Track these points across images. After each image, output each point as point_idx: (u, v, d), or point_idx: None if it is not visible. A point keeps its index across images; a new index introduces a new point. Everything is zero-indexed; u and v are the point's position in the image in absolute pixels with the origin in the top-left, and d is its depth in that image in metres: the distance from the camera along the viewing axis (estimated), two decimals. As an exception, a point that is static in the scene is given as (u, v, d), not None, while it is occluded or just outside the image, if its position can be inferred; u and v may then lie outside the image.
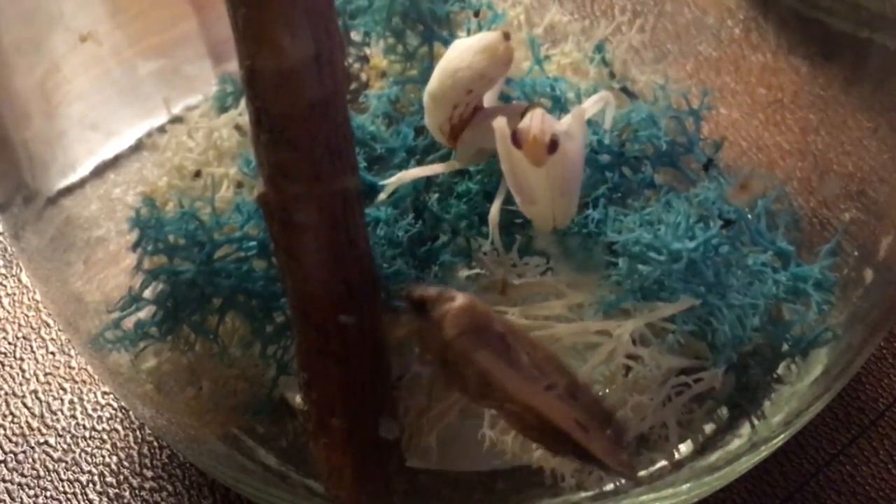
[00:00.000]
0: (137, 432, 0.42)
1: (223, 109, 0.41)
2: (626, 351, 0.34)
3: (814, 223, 0.40)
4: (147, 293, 0.35)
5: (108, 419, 0.43)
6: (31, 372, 0.44)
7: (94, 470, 0.41)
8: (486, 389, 0.30)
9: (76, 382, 0.44)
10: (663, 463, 0.36)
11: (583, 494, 0.35)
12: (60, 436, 0.42)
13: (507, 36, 0.33)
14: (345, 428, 0.32)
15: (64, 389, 0.43)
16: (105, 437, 0.42)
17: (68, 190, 0.40)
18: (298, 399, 0.35)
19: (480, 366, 0.30)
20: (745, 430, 0.37)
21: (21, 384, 0.44)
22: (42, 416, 0.43)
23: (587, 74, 0.40)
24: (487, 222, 0.34)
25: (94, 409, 0.43)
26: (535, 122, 0.31)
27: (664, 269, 0.33)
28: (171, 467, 0.41)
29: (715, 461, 0.37)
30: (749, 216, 0.36)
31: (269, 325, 0.35)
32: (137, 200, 0.36)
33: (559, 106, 0.38)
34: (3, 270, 0.47)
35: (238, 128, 0.40)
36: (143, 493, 0.41)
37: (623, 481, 0.35)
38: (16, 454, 0.42)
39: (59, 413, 0.43)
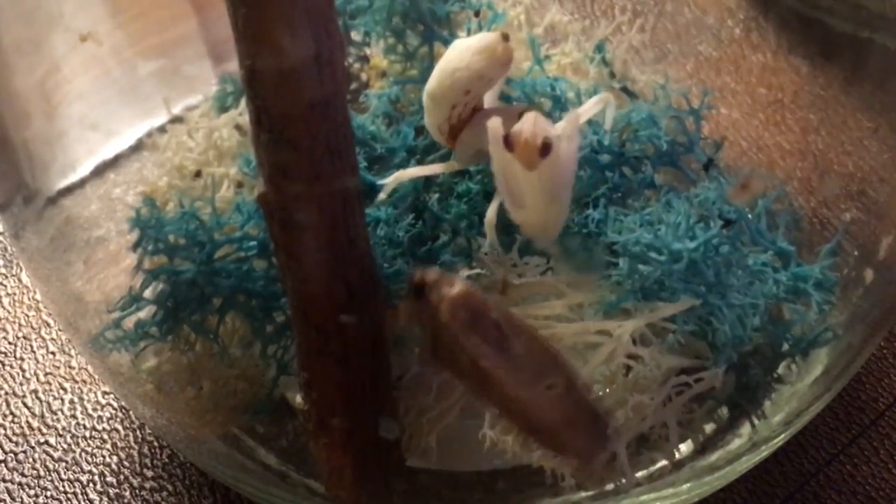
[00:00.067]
0: (138, 432, 0.42)
1: (223, 109, 0.41)
2: (626, 351, 0.34)
3: (814, 223, 0.40)
4: (147, 293, 0.35)
5: (109, 419, 0.43)
6: (32, 372, 0.44)
7: (94, 470, 0.41)
8: (475, 376, 0.30)
9: (76, 382, 0.44)
10: (663, 463, 0.36)
11: (583, 494, 0.35)
12: (61, 435, 0.42)
13: (505, 37, 0.33)
14: (345, 428, 0.32)
15: (64, 389, 0.44)
16: (105, 436, 0.42)
17: (68, 190, 0.40)
18: (298, 399, 0.35)
19: (471, 352, 0.30)
20: (746, 429, 0.37)
21: (21, 384, 0.44)
22: (42, 415, 0.43)
23: (587, 74, 0.40)
24: (488, 223, 0.34)
25: (95, 409, 0.43)
26: (528, 124, 0.31)
27: (665, 269, 0.33)
28: (172, 467, 0.41)
29: (715, 461, 0.37)
30: (749, 216, 0.36)
31: (270, 325, 0.35)
32: (137, 200, 0.36)
33: (559, 106, 0.38)
34: (3, 270, 0.47)
35: (238, 128, 0.40)
36: (143, 492, 0.41)
37: (623, 481, 0.35)
38: (16, 454, 0.42)
39: (59, 413, 0.43)
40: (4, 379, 0.44)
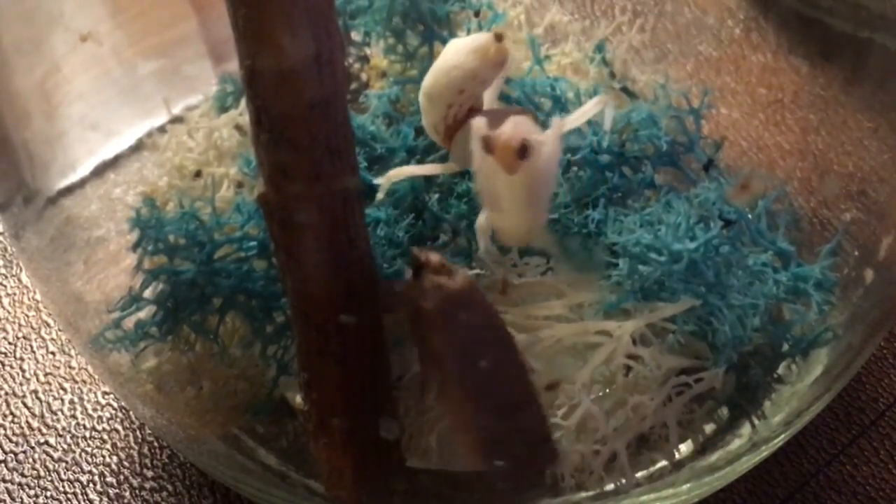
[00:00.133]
0: (138, 432, 0.42)
1: (223, 109, 0.41)
2: (626, 351, 0.34)
3: (814, 223, 0.40)
4: (147, 293, 0.35)
5: (109, 419, 0.43)
6: (32, 372, 0.44)
7: (94, 470, 0.41)
8: (434, 368, 0.31)
9: (76, 382, 0.44)
10: (663, 463, 0.36)
11: (583, 494, 0.35)
12: (61, 436, 0.42)
13: (499, 37, 0.32)
14: (345, 428, 0.32)
15: (64, 389, 0.43)
16: (105, 437, 0.42)
17: (68, 190, 0.40)
18: (298, 399, 0.35)
19: (436, 346, 0.30)
20: (746, 430, 0.37)
21: (21, 384, 0.44)
22: (42, 416, 0.43)
23: (587, 74, 0.40)
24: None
25: (95, 409, 0.43)
26: (508, 126, 0.30)
27: (664, 269, 0.33)
28: (172, 467, 0.41)
29: (715, 461, 0.37)
30: (749, 216, 0.36)
31: (270, 325, 0.35)
32: (137, 200, 0.36)
33: (559, 106, 0.38)
34: (3, 270, 0.47)
35: (238, 128, 0.40)
36: (143, 493, 0.41)
37: (623, 481, 0.35)
38: (16, 454, 0.42)
39: (59, 413, 0.43)
40: (4, 379, 0.44)
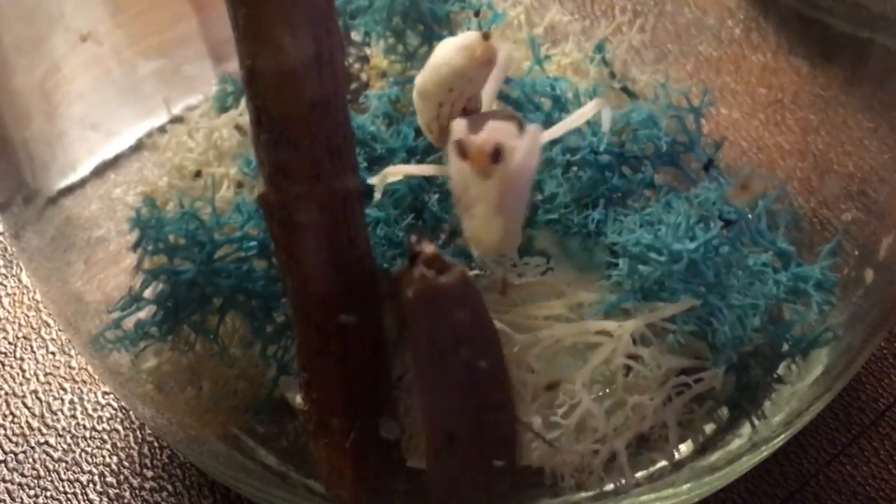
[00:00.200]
0: (138, 432, 0.42)
1: (223, 109, 0.41)
2: (626, 351, 0.34)
3: (814, 223, 0.40)
4: (147, 293, 0.35)
5: (109, 419, 0.43)
6: (32, 372, 0.44)
7: (94, 470, 0.41)
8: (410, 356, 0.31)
9: (76, 382, 0.44)
10: (663, 463, 0.36)
11: (583, 494, 0.35)
12: (61, 436, 0.42)
13: (486, 36, 0.32)
14: (345, 428, 0.32)
15: (64, 389, 0.43)
16: (105, 437, 0.42)
17: (68, 190, 0.40)
18: (298, 399, 0.35)
19: (413, 335, 0.30)
20: (746, 430, 0.37)
21: (21, 384, 0.44)
22: (42, 416, 0.43)
23: (587, 74, 0.40)
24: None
25: (95, 409, 0.43)
26: (484, 131, 0.29)
27: (664, 269, 0.33)
28: (172, 467, 0.41)
29: (715, 461, 0.37)
30: (749, 216, 0.36)
31: (270, 325, 0.35)
32: (138, 200, 0.36)
33: (559, 106, 0.38)
34: (3, 270, 0.47)
35: (238, 128, 0.40)
36: (143, 493, 0.41)
37: (623, 481, 0.35)
38: (16, 454, 0.42)
39: (59, 413, 0.43)
40: (4, 379, 0.44)
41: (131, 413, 0.43)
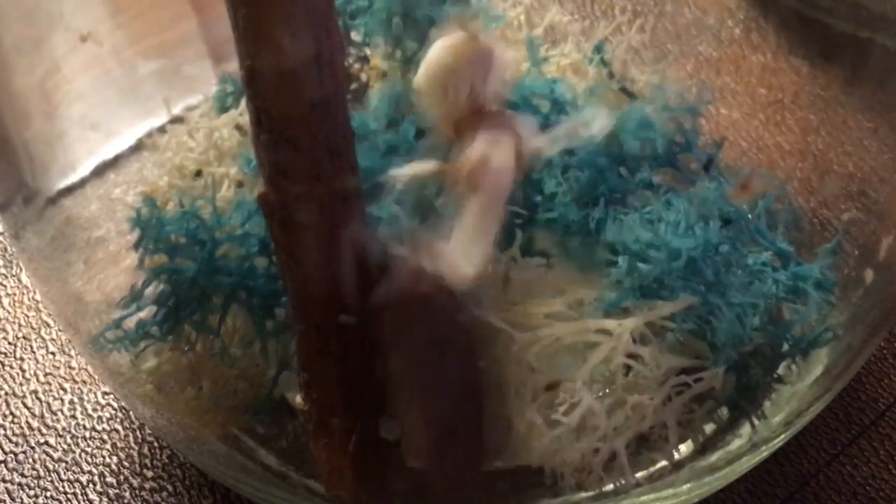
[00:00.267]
0: (138, 432, 0.42)
1: (223, 109, 0.41)
2: (626, 350, 0.34)
3: (814, 223, 0.40)
4: (148, 292, 0.35)
5: (109, 419, 0.43)
6: (32, 372, 0.44)
7: (94, 470, 0.41)
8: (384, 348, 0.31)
9: (76, 382, 0.44)
10: (663, 463, 0.36)
11: (583, 494, 0.35)
12: (60, 436, 0.42)
13: (472, 36, 0.32)
14: (345, 428, 0.32)
15: (64, 389, 0.43)
16: (105, 437, 0.42)
17: (68, 190, 0.40)
18: (298, 399, 0.35)
19: (389, 327, 0.31)
20: (746, 430, 0.37)
21: (21, 384, 0.44)
22: (42, 416, 0.43)
23: (587, 75, 0.40)
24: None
25: (95, 410, 0.43)
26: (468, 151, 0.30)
27: (664, 267, 0.33)
28: (172, 467, 0.41)
29: (715, 461, 0.37)
30: (749, 216, 0.36)
31: (270, 322, 0.35)
32: (138, 200, 0.36)
33: (558, 107, 0.38)
34: (3, 270, 0.47)
35: (238, 128, 0.40)
36: (143, 493, 0.41)
37: (623, 481, 0.35)
38: (16, 454, 0.42)
39: (59, 413, 0.43)
40: (4, 379, 0.44)
41: (131, 413, 0.43)
